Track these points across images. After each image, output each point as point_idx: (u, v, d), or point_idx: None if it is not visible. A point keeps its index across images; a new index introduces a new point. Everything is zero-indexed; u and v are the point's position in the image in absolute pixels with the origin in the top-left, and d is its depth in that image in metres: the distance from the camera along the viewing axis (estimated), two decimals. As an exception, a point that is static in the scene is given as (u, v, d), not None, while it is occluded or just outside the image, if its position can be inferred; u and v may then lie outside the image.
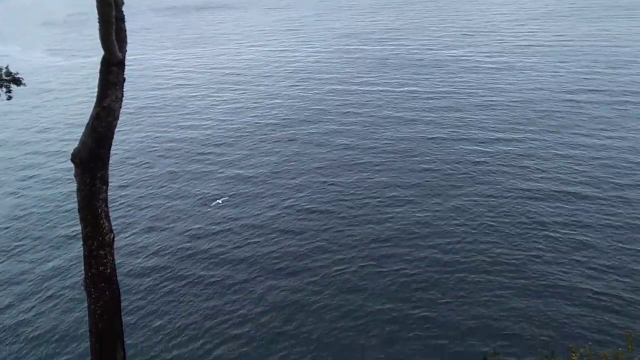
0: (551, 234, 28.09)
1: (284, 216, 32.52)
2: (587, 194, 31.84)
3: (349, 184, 36.05)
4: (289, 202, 34.15)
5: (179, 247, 30.19)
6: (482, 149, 39.61)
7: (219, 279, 26.95)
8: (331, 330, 22.70)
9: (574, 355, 6.41)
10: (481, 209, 31.26)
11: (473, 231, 29.07)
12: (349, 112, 50.85)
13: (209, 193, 36.44)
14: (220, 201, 29.45)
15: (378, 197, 33.85)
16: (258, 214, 32.92)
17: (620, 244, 26.72)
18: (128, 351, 12.09)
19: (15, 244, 32.10)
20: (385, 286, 25.24)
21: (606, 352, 6.19)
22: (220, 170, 40.16)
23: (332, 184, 36.22)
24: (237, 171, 39.74)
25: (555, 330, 21.26)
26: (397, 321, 22.92)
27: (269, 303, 24.67)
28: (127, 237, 31.31)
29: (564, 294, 23.56)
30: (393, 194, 34.15)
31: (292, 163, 40.36)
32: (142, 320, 24.08)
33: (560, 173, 34.81)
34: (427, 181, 35.43)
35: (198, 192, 36.74)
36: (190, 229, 31.99)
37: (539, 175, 34.73)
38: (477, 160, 37.81)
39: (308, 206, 33.49)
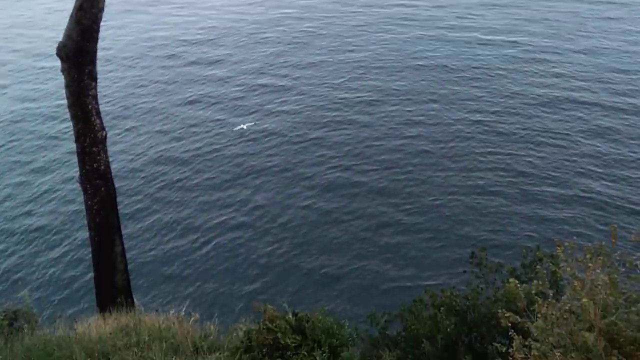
0: (542, 139, 28.23)
1: (272, 116, 32.26)
2: (582, 99, 31.54)
3: (339, 85, 35.47)
4: (277, 103, 33.65)
5: (169, 145, 30.18)
6: (480, 51, 38.56)
7: (208, 176, 27.21)
8: (319, 225, 23.32)
9: (559, 249, 6.63)
10: (474, 110, 31.10)
11: (465, 131, 29.11)
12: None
13: (198, 92, 35.79)
14: (244, 126, 26.64)
15: (370, 97, 33.48)
16: (246, 115, 32.59)
17: (611, 149, 26.96)
18: (125, 243, 12.43)
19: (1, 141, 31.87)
20: (374, 184, 25.69)
21: (590, 246, 6.42)
22: (210, 68, 39.26)
23: (324, 85, 35.62)
24: (224, 69, 38.84)
25: (541, 227, 22.01)
26: (385, 217, 23.55)
27: (260, 200, 25.10)
28: (117, 135, 31.02)
29: (551, 193, 24.12)
30: (385, 93, 33.77)
31: (281, 61, 39.35)
32: (137, 215, 24.54)
33: (557, 77, 34.23)
34: (421, 80, 34.91)
35: (187, 90, 36.12)
36: (180, 128, 31.79)
37: (535, 79, 34.17)
38: (474, 61, 37.03)
39: (296, 107, 33.12)
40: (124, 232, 12.35)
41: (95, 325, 9.24)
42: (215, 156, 28.82)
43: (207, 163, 28.34)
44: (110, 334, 8.45)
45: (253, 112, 32.72)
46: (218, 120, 32.19)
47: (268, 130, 30.73)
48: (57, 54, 10.80)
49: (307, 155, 28.18)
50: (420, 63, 37.31)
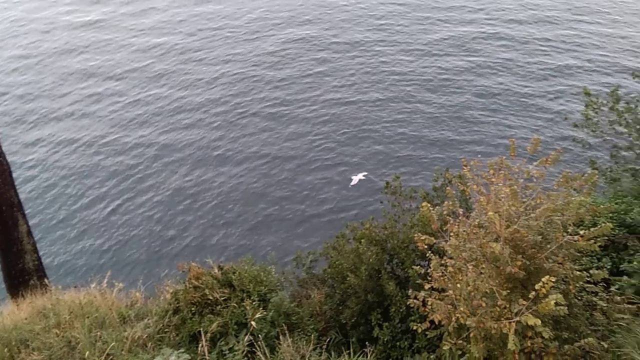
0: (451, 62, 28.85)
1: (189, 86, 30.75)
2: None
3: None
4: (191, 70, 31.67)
5: (58, 104, 28.33)
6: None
7: (107, 140, 25.83)
8: (234, 169, 23.10)
9: (465, 168, 6.91)
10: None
11: (372, 50, 29.23)
12: None
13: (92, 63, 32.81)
14: (361, 176, 21.54)
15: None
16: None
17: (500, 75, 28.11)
18: (29, 221, 11.61)
19: None
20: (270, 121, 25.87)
21: (492, 161, 6.73)
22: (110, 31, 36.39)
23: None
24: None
25: (449, 148, 22.88)
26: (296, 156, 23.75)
27: (166, 158, 24.20)
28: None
29: (456, 115, 25.05)
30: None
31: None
32: (37, 190, 22.91)
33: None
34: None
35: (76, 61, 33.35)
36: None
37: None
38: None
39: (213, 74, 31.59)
40: (25, 209, 11.55)
41: (9, 313, 8.70)
42: (117, 114, 27.28)
43: (106, 126, 26.74)
44: (26, 319, 8.00)
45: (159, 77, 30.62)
46: (116, 91, 29.66)
47: (179, 105, 28.23)
48: None
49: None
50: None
